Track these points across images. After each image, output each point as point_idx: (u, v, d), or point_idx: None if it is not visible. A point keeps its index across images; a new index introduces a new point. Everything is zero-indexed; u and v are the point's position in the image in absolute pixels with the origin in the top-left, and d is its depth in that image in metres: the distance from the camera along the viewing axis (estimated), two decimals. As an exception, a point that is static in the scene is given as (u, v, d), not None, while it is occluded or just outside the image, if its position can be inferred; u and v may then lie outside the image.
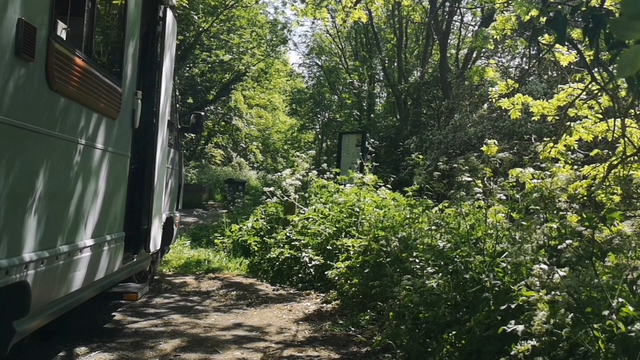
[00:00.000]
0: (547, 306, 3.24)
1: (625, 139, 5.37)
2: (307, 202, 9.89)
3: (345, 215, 8.45)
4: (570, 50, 6.14)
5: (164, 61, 5.72)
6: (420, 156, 7.78)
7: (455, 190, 5.36)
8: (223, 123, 34.80)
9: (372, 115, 29.63)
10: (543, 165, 5.58)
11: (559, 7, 4.46)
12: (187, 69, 28.63)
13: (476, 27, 19.27)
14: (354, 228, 7.91)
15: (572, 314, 3.15)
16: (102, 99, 4.02)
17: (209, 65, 30.28)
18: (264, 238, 9.29)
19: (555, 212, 4.70)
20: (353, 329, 5.59)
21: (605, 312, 3.12)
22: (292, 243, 8.36)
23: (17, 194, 2.95)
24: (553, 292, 3.28)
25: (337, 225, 8.35)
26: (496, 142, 6.22)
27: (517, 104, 6.36)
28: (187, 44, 26.84)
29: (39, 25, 3.03)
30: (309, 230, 8.46)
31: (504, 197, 5.34)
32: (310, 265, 7.80)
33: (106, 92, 4.12)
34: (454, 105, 17.01)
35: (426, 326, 4.54)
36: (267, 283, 8.00)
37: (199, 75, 30.29)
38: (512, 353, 3.15)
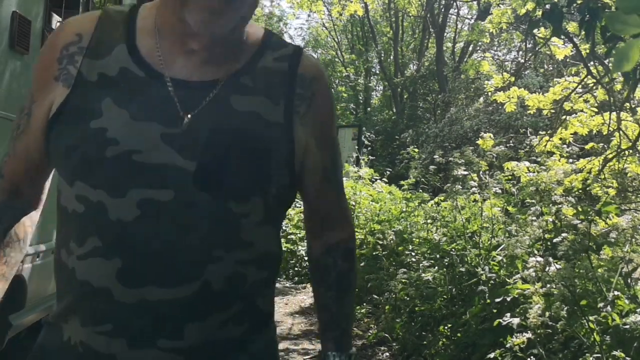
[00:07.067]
0: (542, 299, 3.25)
1: (621, 132, 5.38)
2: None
3: (341, 209, 8.44)
4: (566, 44, 6.14)
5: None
6: (416, 150, 7.78)
7: (451, 183, 5.37)
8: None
9: (368, 108, 29.64)
10: (539, 158, 5.60)
11: (555, 0, 4.46)
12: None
13: (472, 20, 19.26)
14: (350, 221, 7.90)
15: (567, 307, 3.16)
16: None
17: (205, 59, 30.15)
18: (260, 231, 9.26)
19: (550, 205, 4.71)
20: (349, 322, 5.60)
21: (601, 305, 3.14)
22: (289, 236, 8.36)
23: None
24: (548, 285, 3.30)
25: (333, 218, 8.34)
26: (492, 135, 6.22)
27: (512, 97, 6.35)
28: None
29: (33, 18, 3.01)
30: (305, 224, 8.44)
31: (500, 191, 5.35)
32: (306, 258, 7.79)
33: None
34: (450, 98, 16.99)
35: (422, 319, 4.56)
36: (263, 276, 7.99)
37: (195, 68, 30.17)
38: (508, 345, 3.16)
